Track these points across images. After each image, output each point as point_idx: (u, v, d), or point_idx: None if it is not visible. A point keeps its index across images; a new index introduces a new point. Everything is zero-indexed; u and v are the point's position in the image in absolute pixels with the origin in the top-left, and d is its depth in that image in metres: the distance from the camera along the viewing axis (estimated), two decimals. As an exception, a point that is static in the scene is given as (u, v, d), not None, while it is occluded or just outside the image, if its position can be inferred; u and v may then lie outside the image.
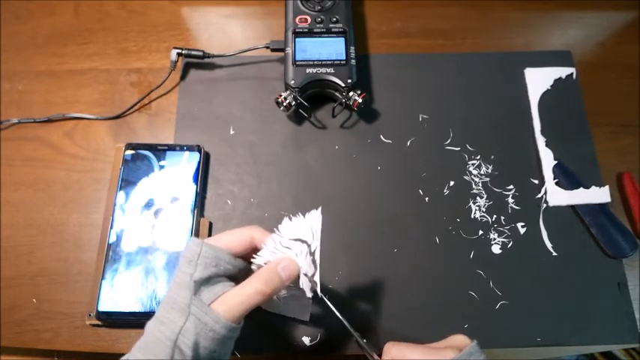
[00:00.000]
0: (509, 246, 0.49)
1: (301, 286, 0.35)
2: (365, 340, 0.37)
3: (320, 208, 0.36)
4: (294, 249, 0.35)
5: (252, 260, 0.36)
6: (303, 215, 0.37)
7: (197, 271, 0.33)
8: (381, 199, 0.51)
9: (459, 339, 0.36)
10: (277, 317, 0.45)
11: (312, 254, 0.35)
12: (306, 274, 0.35)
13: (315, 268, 0.35)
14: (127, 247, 0.46)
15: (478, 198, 0.51)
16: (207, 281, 0.33)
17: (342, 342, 0.45)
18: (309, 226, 0.36)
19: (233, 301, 0.33)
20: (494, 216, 0.50)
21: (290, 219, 0.37)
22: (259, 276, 0.34)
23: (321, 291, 0.36)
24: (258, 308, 0.35)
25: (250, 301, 0.33)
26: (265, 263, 0.35)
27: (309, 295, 0.35)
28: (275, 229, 0.37)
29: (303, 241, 0.35)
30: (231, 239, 0.36)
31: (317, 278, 0.35)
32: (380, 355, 0.37)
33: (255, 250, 0.37)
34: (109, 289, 0.45)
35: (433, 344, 0.37)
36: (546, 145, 0.53)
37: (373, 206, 0.51)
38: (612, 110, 0.56)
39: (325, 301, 0.37)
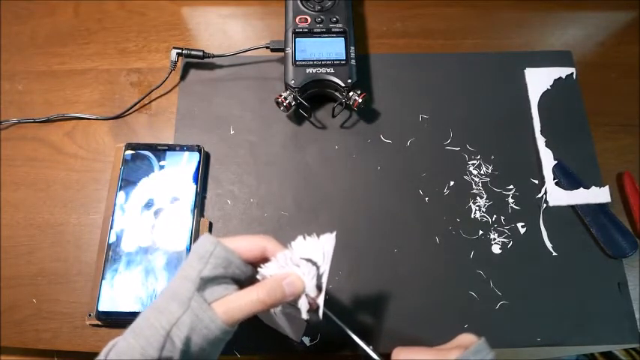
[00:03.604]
0: (509, 246, 0.49)
1: (299, 306, 0.35)
2: (372, 347, 0.37)
3: (335, 233, 0.36)
4: (302, 267, 0.35)
5: (258, 269, 0.36)
6: (318, 236, 0.36)
7: (206, 268, 0.33)
8: (381, 199, 0.51)
9: (467, 338, 0.36)
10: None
11: (320, 277, 0.35)
12: (307, 295, 0.35)
13: (320, 290, 0.35)
14: (127, 247, 0.46)
15: (478, 198, 0.51)
16: (212, 280, 0.33)
17: (342, 342, 0.45)
18: (321, 248, 0.35)
19: (233, 304, 0.33)
20: (494, 216, 0.50)
21: (304, 238, 0.36)
22: (263, 285, 0.34)
23: (324, 306, 0.35)
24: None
25: (250, 308, 0.33)
26: (271, 275, 0.35)
27: (305, 317, 0.35)
28: (288, 244, 0.36)
29: (313, 263, 0.35)
30: (244, 245, 0.36)
31: (321, 301, 0.35)
32: None
33: (265, 259, 0.36)
34: (109, 289, 0.45)
35: (441, 346, 0.37)
36: (546, 145, 0.53)
37: (373, 206, 0.51)
38: (612, 110, 0.56)
39: (332, 318, 0.37)
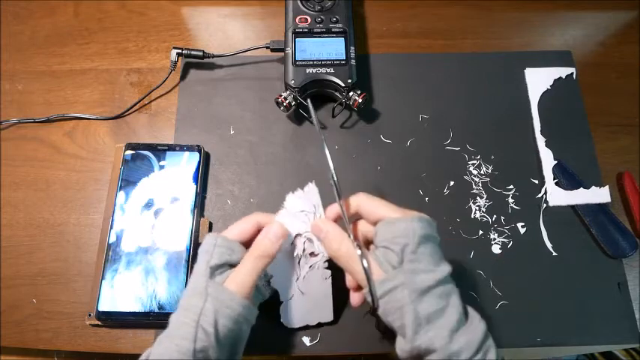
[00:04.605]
0: (509, 246, 0.49)
1: (317, 252, 0.42)
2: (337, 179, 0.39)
3: (314, 181, 0.42)
4: (300, 219, 0.41)
5: None
6: (302, 189, 0.42)
7: (213, 258, 0.36)
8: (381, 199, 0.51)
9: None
10: (277, 317, 0.45)
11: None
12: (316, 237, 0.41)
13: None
14: (127, 247, 0.46)
15: (478, 198, 0.51)
16: (221, 267, 0.36)
17: (342, 342, 0.45)
18: (308, 198, 0.42)
19: (239, 275, 0.36)
20: (494, 216, 0.50)
21: (293, 193, 0.42)
22: (253, 247, 0.38)
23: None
24: (278, 325, 0.42)
25: (254, 269, 0.36)
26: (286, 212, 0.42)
27: (327, 256, 0.41)
28: (281, 205, 0.42)
29: (307, 212, 0.41)
30: (239, 229, 0.39)
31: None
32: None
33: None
34: (109, 289, 0.45)
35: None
36: (546, 145, 0.53)
37: (373, 206, 0.50)
38: (612, 110, 0.56)
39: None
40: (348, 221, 0.38)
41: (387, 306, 0.33)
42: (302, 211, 0.41)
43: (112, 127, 0.55)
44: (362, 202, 0.38)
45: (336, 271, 0.45)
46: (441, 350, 0.31)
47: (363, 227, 0.40)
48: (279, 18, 0.56)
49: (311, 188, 0.42)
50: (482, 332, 0.33)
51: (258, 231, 0.39)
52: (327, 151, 0.39)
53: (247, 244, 0.39)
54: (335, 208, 0.40)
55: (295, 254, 0.43)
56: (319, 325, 0.45)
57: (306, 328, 0.45)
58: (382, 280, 0.33)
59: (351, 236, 0.37)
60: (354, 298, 0.40)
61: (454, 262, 0.47)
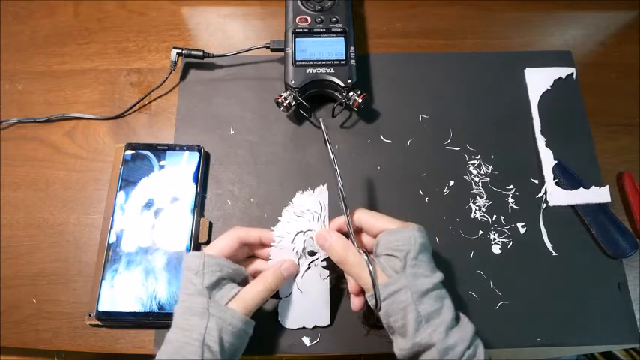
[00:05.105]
0: (509, 246, 0.49)
1: (315, 250, 0.43)
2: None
3: (326, 184, 0.44)
4: (306, 217, 0.43)
5: (272, 229, 0.43)
6: (312, 190, 0.44)
7: (205, 278, 0.37)
8: (381, 199, 0.51)
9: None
10: (277, 317, 0.45)
11: (323, 220, 0.43)
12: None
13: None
14: (127, 247, 0.46)
15: (478, 198, 0.51)
16: (215, 285, 0.38)
17: (341, 342, 0.45)
18: (317, 199, 0.43)
19: (247, 297, 0.38)
20: (494, 216, 0.50)
21: (302, 192, 0.44)
22: (267, 275, 0.40)
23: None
24: (279, 325, 0.44)
25: (261, 295, 0.39)
26: (280, 242, 0.43)
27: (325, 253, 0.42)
28: (289, 202, 0.44)
29: (313, 212, 0.43)
30: (222, 244, 0.41)
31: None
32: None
33: (244, 244, 0.43)
34: (109, 289, 0.45)
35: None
36: (546, 145, 0.53)
37: (373, 206, 0.50)
38: (612, 110, 0.56)
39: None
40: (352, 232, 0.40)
41: (390, 307, 0.36)
42: (308, 210, 0.43)
43: (112, 127, 0.55)
44: (363, 216, 0.41)
45: (333, 274, 0.45)
46: (439, 343, 0.34)
47: (363, 239, 0.43)
48: (279, 18, 0.56)
49: (322, 190, 0.43)
50: (472, 330, 0.36)
51: (240, 244, 0.42)
52: (336, 168, 0.41)
53: (229, 258, 0.40)
54: (339, 221, 0.42)
55: (295, 251, 0.43)
56: (316, 327, 0.45)
57: (303, 328, 0.45)
58: (386, 283, 0.36)
59: (356, 244, 0.39)
60: (355, 302, 0.42)
61: (454, 262, 0.48)
